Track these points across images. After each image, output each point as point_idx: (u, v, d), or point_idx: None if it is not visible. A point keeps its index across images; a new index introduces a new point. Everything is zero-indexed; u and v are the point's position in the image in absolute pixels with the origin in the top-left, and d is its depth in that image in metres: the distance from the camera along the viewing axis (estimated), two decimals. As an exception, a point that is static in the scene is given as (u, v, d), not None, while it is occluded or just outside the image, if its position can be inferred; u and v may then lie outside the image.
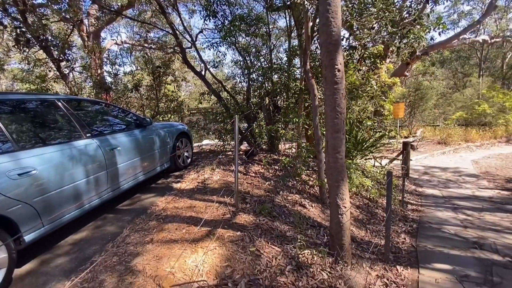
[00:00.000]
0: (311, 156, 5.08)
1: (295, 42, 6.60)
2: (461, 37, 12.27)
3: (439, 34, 4.26)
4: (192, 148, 5.21)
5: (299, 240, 2.58)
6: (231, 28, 5.88)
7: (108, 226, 2.72)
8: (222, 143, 6.91)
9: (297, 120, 5.38)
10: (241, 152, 5.62)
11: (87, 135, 2.66)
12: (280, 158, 5.37)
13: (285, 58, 6.83)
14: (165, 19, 6.10)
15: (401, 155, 7.16)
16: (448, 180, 6.91)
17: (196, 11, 10.38)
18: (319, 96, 4.09)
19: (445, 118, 17.49)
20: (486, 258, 3.03)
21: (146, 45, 8.30)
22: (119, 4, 8.28)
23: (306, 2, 3.21)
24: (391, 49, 5.98)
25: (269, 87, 6.08)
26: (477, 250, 3.21)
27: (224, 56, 6.69)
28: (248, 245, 2.42)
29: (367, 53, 4.14)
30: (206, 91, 6.99)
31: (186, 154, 4.80)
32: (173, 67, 8.71)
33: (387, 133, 6.72)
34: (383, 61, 7.49)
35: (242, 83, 7.26)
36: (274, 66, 6.10)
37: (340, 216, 2.29)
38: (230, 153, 6.15)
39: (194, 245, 2.34)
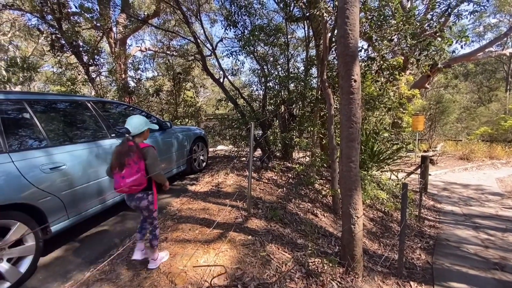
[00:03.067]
0: (325, 165, 5.06)
1: (312, 52, 6.68)
2: (486, 50, 11.84)
3: (462, 47, 4.18)
4: (208, 152, 5.34)
5: (309, 248, 2.59)
6: (251, 37, 6.05)
7: (127, 222, 2.85)
8: (236, 148, 7.03)
9: (312, 128, 5.40)
10: (255, 158, 5.69)
11: (112, 135, 2.84)
12: (294, 166, 5.39)
13: (302, 68, 6.91)
14: (188, 28, 6.38)
15: (419, 169, 6.95)
16: (469, 198, 6.60)
17: (217, 21, 10.78)
18: (335, 106, 4.10)
19: (468, 133, 16.77)
20: (508, 281, 2.88)
21: (168, 52, 8.67)
22: (145, 13, 8.76)
23: (325, 14, 3.28)
24: (411, 60, 5.89)
25: (285, 95, 6.16)
26: (498, 271, 3.06)
27: (242, 65, 6.87)
28: (259, 249, 2.46)
29: (385, 64, 4.13)
30: (223, 97, 7.17)
31: (201, 157, 4.93)
32: (193, 74, 9.02)
33: (404, 146, 6.56)
34: (403, 73, 7.39)
35: (259, 91, 7.40)
36: (291, 75, 6.19)
37: (352, 226, 2.28)
38: (244, 159, 6.23)
39: (207, 246, 2.41)
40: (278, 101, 6.39)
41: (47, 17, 6.03)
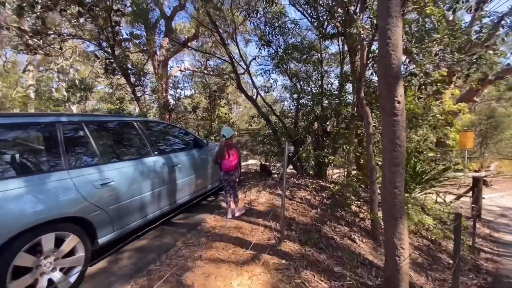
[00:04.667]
0: (363, 186, 4.79)
1: (346, 67, 6.56)
2: (548, 59, 10.54)
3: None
4: (240, 168, 5.40)
5: (348, 278, 2.42)
6: (284, 56, 6.16)
7: (164, 237, 2.95)
8: (267, 164, 7.01)
9: (347, 146, 5.20)
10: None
11: (155, 152, 3.02)
12: (328, 185, 5.19)
13: (336, 83, 6.80)
14: (225, 49, 6.72)
15: (470, 192, 6.23)
16: (535, 228, 5.72)
17: (251, 40, 11.19)
18: (374, 124, 3.92)
19: (529, 151, 14.78)
20: None
21: (205, 71, 9.19)
22: (186, 37, 9.48)
23: (362, 32, 3.23)
24: (458, 75, 5.46)
25: (318, 112, 6.07)
26: None
27: (275, 83, 6.97)
28: (294, 275, 2.36)
29: (429, 80, 3.87)
30: (256, 114, 7.30)
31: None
32: (227, 91, 9.39)
33: (452, 166, 5.97)
34: (447, 86, 6.85)
35: (291, 107, 7.41)
36: (325, 91, 6.11)
37: (397, 257, 2.09)
38: (275, 175, 6.18)
39: (240, 267, 2.38)
40: (311, 117, 6.32)
41: (102, 44, 6.81)
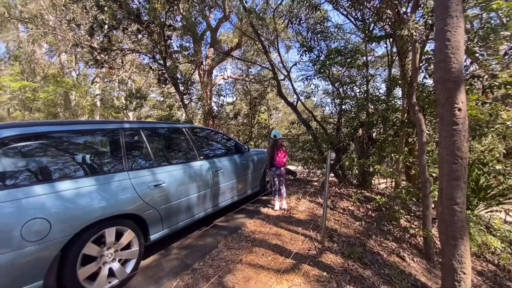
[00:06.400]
0: (413, 199, 4.39)
1: (395, 70, 6.14)
2: None
3: None
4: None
5: (397, 299, 2.23)
6: (326, 61, 6.02)
7: (207, 238, 3.09)
8: (307, 171, 6.87)
9: (396, 155, 4.83)
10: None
11: (201, 157, 3.21)
12: (373, 196, 4.87)
13: (384, 88, 6.40)
14: (266, 57, 6.85)
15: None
16: None
17: (292, 47, 11.20)
18: (427, 132, 3.59)
19: None
20: None
21: (246, 79, 9.46)
22: (229, 46, 9.93)
23: (414, 34, 3.00)
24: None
25: (363, 118, 5.77)
26: None
27: (317, 88, 6.85)
28: (335, 289, 2.27)
29: (496, 82, 3.40)
30: (296, 120, 7.24)
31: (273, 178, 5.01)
32: (267, 98, 9.52)
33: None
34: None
35: (333, 113, 7.18)
36: (371, 96, 5.79)
37: (456, 283, 1.86)
38: (316, 183, 6.02)
39: (280, 275, 2.37)
40: (355, 123, 6.03)
41: (156, 57, 7.51)
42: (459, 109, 1.74)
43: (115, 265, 2.20)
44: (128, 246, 2.32)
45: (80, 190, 2.01)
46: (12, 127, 1.93)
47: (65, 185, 1.94)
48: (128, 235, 2.27)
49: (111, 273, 2.17)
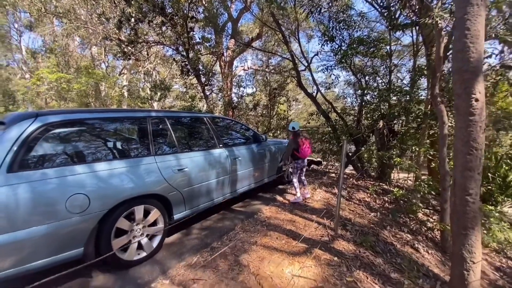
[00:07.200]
0: (433, 193, 4.29)
1: (421, 60, 5.88)
2: None
3: None
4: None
5: (405, 286, 2.29)
6: (348, 51, 5.90)
7: (225, 221, 3.30)
8: (325, 163, 6.88)
9: (417, 148, 4.72)
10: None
11: (220, 145, 3.38)
12: (391, 189, 4.82)
13: (408, 79, 6.17)
14: (287, 47, 6.83)
15: None
16: None
17: (314, 36, 10.96)
18: (450, 124, 3.48)
19: None
20: None
21: (266, 69, 9.48)
22: (250, 37, 9.95)
23: (439, 21, 2.90)
24: None
25: (385, 110, 5.64)
26: None
27: (337, 79, 6.74)
28: (345, 273, 2.37)
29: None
30: (315, 111, 7.21)
31: (290, 169, 5.10)
32: (287, 89, 9.49)
33: None
34: None
35: (353, 104, 7.06)
36: (393, 87, 5.62)
37: (465, 271, 1.89)
38: (333, 175, 6.03)
39: (292, 257, 2.51)
40: (376, 115, 5.91)
41: (179, 49, 7.76)
42: (476, 100, 1.72)
43: (144, 240, 2.46)
44: (154, 223, 2.56)
45: (113, 171, 2.25)
46: (56, 114, 2.19)
47: (101, 166, 2.19)
48: (155, 213, 2.51)
49: (140, 246, 2.43)
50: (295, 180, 3.99)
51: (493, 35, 3.19)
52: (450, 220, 2.11)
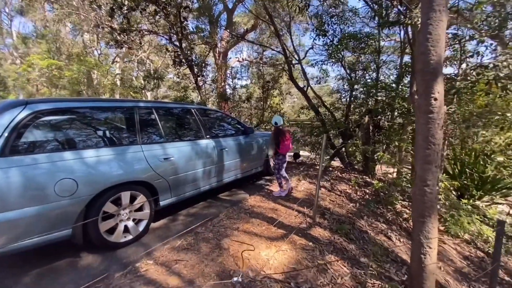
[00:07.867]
0: (410, 186, 4.51)
1: (407, 58, 6.03)
2: None
3: None
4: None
5: (371, 269, 2.50)
6: (339, 46, 6.01)
7: (211, 208, 3.46)
8: (314, 156, 7.07)
9: (400, 144, 4.92)
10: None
11: (207, 136, 3.51)
12: (374, 181, 5.04)
13: (395, 75, 6.32)
14: (279, 41, 6.89)
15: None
16: None
17: (309, 29, 10.99)
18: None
19: None
20: None
21: (260, 62, 9.53)
22: (245, 28, 9.94)
23: (418, 22, 3.03)
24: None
25: (371, 105, 5.81)
26: None
27: (327, 74, 6.85)
28: (318, 257, 2.56)
29: (501, 73, 3.34)
30: (306, 105, 7.34)
31: (272, 163, 5.27)
32: (281, 82, 9.58)
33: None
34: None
35: (343, 99, 7.21)
36: (380, 83, 5.78)
37: (422, 255, 2.09)
38: (318, 167, 6.22)
39: (269, 242, 2.69)
40: (363, 110, 6.08)
41: (172, 38, 7.74)
42: (435, 99, 1.88)
43: (130, 223, 2.60)
44: (140, 209, 2.70)
45: (100, 158, 2.37)
46: (46, 102, 2.28)
47: (88, 153, 2.31)
48: (141, 199, 2.65)
49: (126, 230, 2.58)
50: (284, 174, 3.95)
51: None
52: (412, 209, 2.30)
